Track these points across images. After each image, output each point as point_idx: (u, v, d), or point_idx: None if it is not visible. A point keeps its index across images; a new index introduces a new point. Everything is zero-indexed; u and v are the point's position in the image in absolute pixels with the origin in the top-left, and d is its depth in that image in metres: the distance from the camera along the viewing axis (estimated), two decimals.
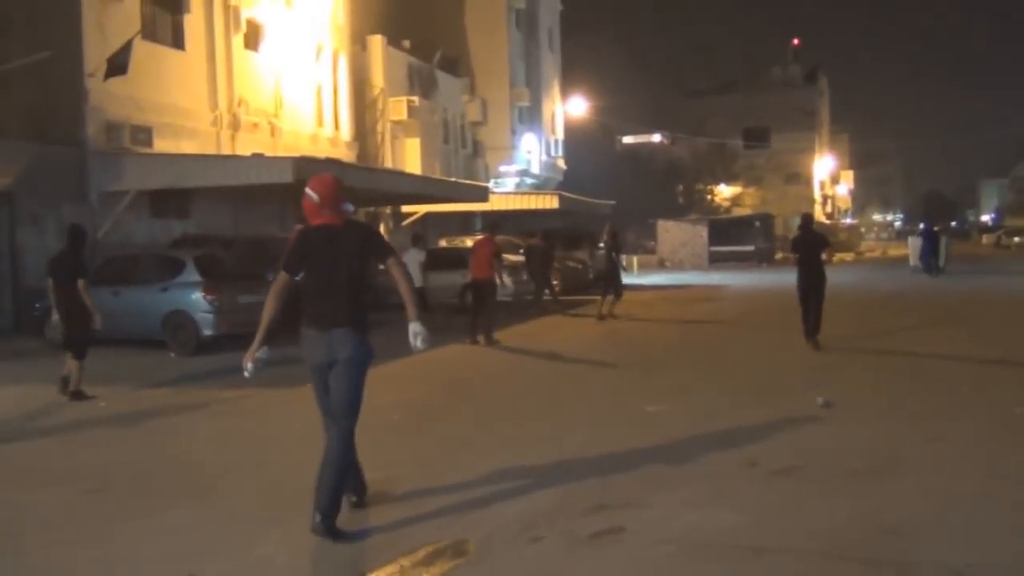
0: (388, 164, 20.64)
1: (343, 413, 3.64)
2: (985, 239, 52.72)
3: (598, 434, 5.54)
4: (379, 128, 21.26)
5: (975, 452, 4.83)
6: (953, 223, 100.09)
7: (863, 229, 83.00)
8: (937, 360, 8.33)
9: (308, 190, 3.73)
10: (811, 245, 9.67)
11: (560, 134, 33.64)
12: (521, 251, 15.80)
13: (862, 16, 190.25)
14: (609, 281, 13.00)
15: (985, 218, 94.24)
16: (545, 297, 14.75)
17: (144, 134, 13.26)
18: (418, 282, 10.64)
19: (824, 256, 9.74)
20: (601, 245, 15.17)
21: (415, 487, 4.25)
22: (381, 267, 3.83)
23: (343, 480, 3.65)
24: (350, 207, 3.79)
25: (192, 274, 9.75)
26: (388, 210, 20.47)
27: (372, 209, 19.68)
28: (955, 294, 16.05)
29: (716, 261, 31.33)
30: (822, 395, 6.37)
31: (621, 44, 42.59)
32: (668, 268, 30.86)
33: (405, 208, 20.38)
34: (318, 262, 3.67)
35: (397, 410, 6.23)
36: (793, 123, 48.88)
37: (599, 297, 13.05)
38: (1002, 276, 21.03)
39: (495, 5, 27.91)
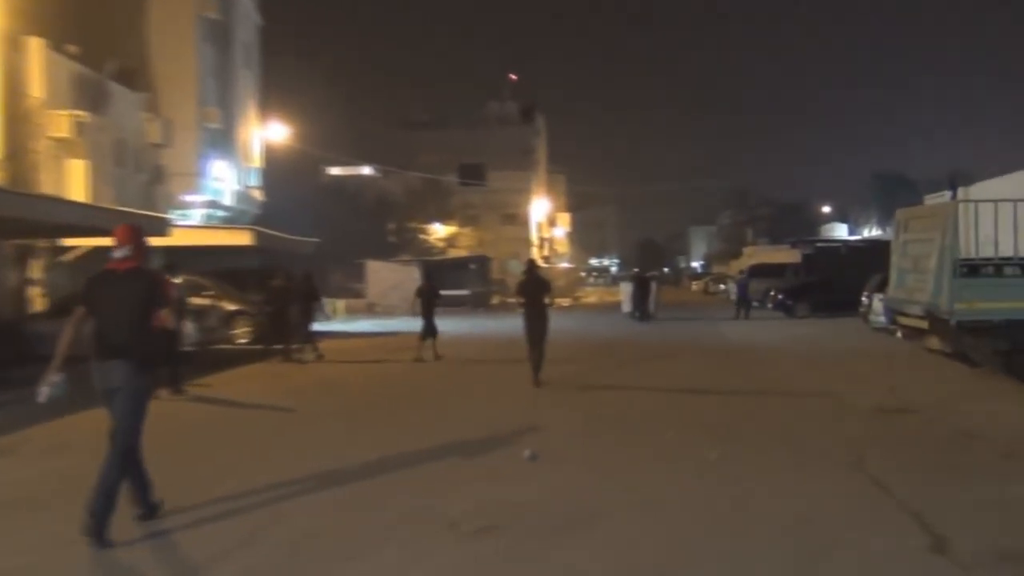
0: (46, 189, 18.94)
1: (117, 435, 4.81)
2: (694, 285, 61.71)
3: (284, 493, 5.74)
4: (35, 146, 19.45)
5: (671, 502, 5.47)
6: (665, 269, 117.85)
7: (583, 273, 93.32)
8: (644, 400, 9.76)
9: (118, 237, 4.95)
10: (535, 289, 11.03)
11: (258, 162, 32.70)
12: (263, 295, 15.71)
13: (585, 59, 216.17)
14: (286, 330, 14.23)
15: (695, 264, 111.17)
16: (293, 347, 14.73)
17: None
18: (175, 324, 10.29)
19: (547, 300, 11.17)
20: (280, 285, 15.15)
21: None
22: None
23: (111, 491, 4.72)
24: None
25: None
26: (45, 243, 18.37)
27: (23, 242, 17.81)
28: (661, 339, 18.91)
29: None
30: (530, 446, 6.98)
31: (329, 69, 43.03)
32: (378, 313, 31.38)
33: (68, 241, 18.27)
34: (100, 302, 4.88)
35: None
36: (510, 161, 53.07)
37: (286, 346, 14.22)
38: (706, 322, 24.50)
39: (182, 13, 26.81)
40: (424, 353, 14.28)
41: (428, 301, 15.09)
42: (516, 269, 52.14)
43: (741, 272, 29.27)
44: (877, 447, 7.06)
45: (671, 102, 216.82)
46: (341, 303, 28.37)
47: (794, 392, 10.43)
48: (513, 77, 60.95)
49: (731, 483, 5.98)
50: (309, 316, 14.87)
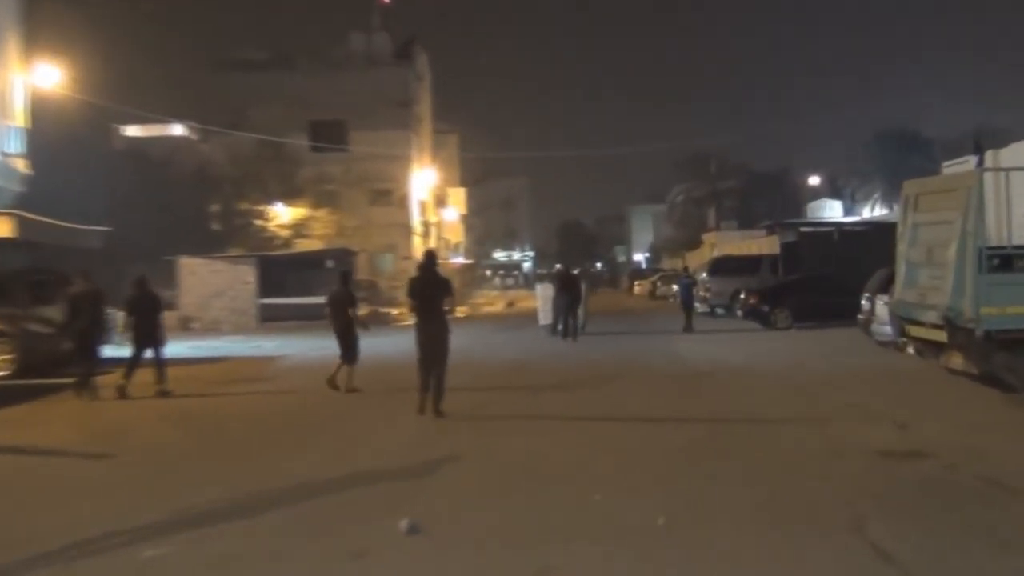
0: None
1: None
2: (637, 287, 63.20)
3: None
4: None
5: None
6: (598, 265, 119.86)
7: (487, 272, 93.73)
8: (568, 440, 9.92)
9: None
10: (432, 291, 11.72)
11: (21, 120, 31.31)
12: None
13: None
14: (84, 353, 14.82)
15: (638, 258, 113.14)
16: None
17: None
18: None
19: (447, 306, 11.94)
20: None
21: None
22: None
23: None
24: None
25: None
26: None
27: None
28: (592, 360, 19.27)
29: (271, 319, 32.49)
30: (411, 510, 7.03)
31: None
32: (196, 330, 31.16)
33: None
34: None
35: None
36: (381, 117, 52.51)
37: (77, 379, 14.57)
38: (654, 337, 25.24)
39: None
40: (340, 380, 15.04)
41: (340, 312, 15.54)
42: (390, 266, 52.43)
43: (684, 270, 30.53)
44: (881, 503, 7.28)
45: (606, 39, 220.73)
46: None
47: (770, 429, 10.72)
48: None
49: (686, 561, 6.04)
50: (92, 335, 14.85)
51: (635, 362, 18.92)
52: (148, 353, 15.13)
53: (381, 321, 33.69)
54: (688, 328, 26.55)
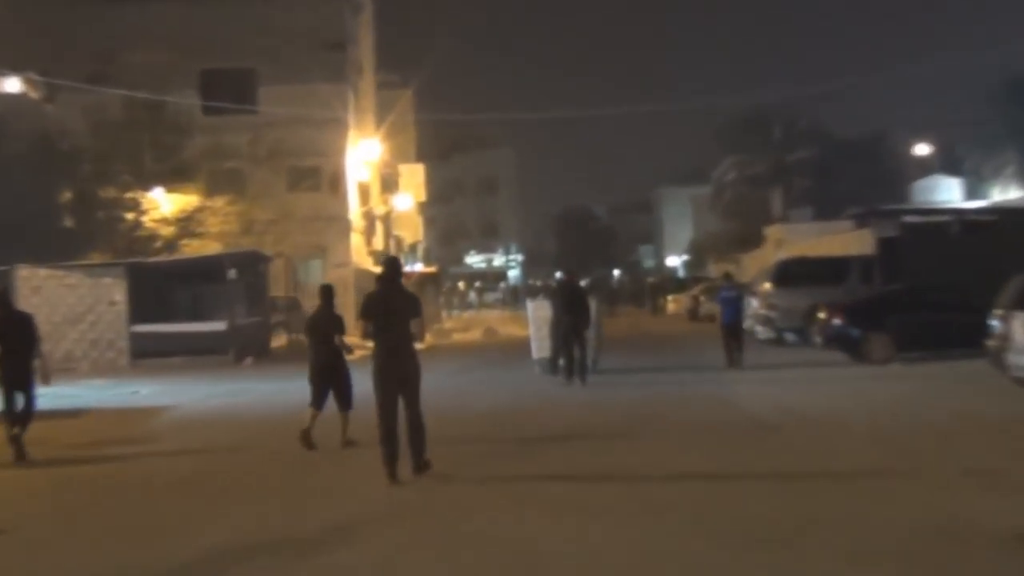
0: None
1: None
2: (672, 303, 63.98)
3: None
4: None
5: None
6: (615, 273, 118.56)
7: (459, 284, 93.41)
8: (573, 529, 9.77)
9: None
10: (395, 311, 12.35)
11: None
12: None
13: None
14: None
15: (673, 262, 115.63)
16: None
17: None
18: None
19: (415, 327, 12.55)
20: None
21: None
22: None
23: None
24: None
25: None
26: None
27: None
28: (608, 411, 19.34)
29: (149, 354, 32.85)
30: None
31: None
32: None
33: None
34: None
35: None
36: (303, 66, 52.20)
37: None
38: (694, 378, 24.99)
39: None
40: (315, 432, 15.58)
41: (325, 340, 16.04)
42: (319, 277, 52.16)
43: (726, 278, 30.17)
44: None
45: None
46: None
47: (861, 505, 10.75)
48: None
49: None
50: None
51: (667, 412, 18.96)
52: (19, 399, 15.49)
53: (304, 355, 33.73)
54: (734, 362, 26.78)
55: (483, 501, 11.71)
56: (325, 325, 16.04)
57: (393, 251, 64.10)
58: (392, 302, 12.56)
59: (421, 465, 12.47)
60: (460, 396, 22.56)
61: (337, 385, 15.88)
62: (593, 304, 26.81)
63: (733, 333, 27.41)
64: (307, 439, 15.49)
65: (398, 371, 12.45)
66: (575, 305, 24.92)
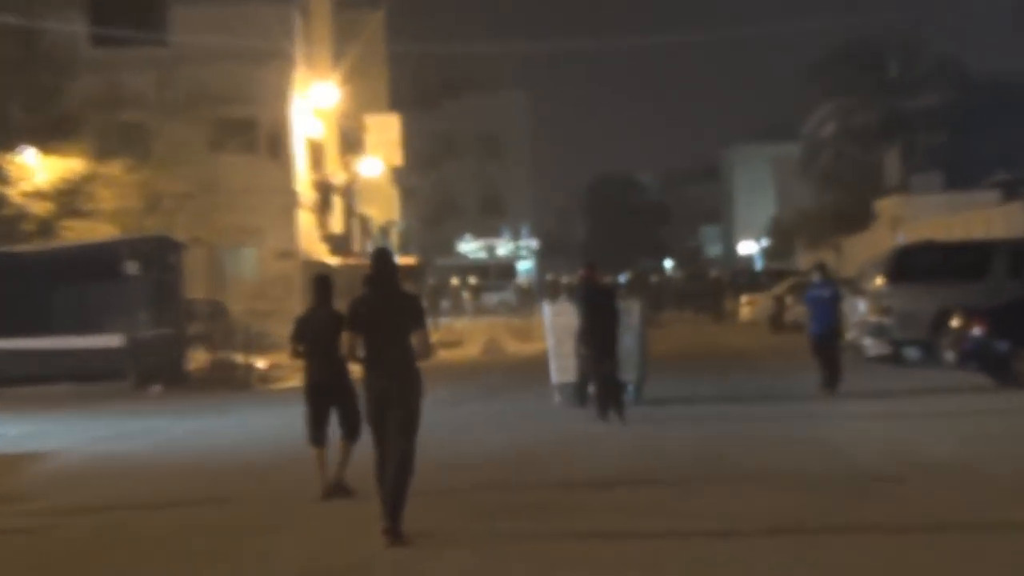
0: None
1: None
2: (746, 306, 64.61)
3: None
4: None
5: None
6: (666, 264, 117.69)
7: (452, 280, 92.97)
8: None
9: None
10: (391, 320, 12.82)
11: None
12: None
13: None
14: None
15: (747, 248, 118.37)
16: None
17: None
18: None
19: (416, 343, 12.95)
20: None
21: None
22: None
23: None
24: None
25: None
26: None
27: None
28: (652, 464, 19.12)
29: (10, 381, 32.96)
30: None
31: None
32: None
33: None
34: None
35: None
36: None
37: None
38: (777, 410, 25.35)
39: None
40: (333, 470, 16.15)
41: (328, 350, 16.12)
42: (253, 272, 52.18)
43: (819, 270, 29.85)
44: None
45: None
46: None
47: None
48: None
49: None
50: None
51: (739, 458, 18.95)
52: None
53: (233, 380, 33.81)
54: (829, 384, 26.81)
55: (498, 567, 11.91)
56: (323, 330, 15.98)
57: (358, 235, 64.15)
58: (386, 310, 12.87)
59: (398, 529, 12.56)
60: (455, 437, 22.46)
61: (341, 409, 16.15)
62: (635, 310, 26.77)
63: (825, 346, 27.31)
64: (330, 489, 15.87)
65: (397, 398, 12.75)
66: (604, 309, 24.87)
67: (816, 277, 28.96)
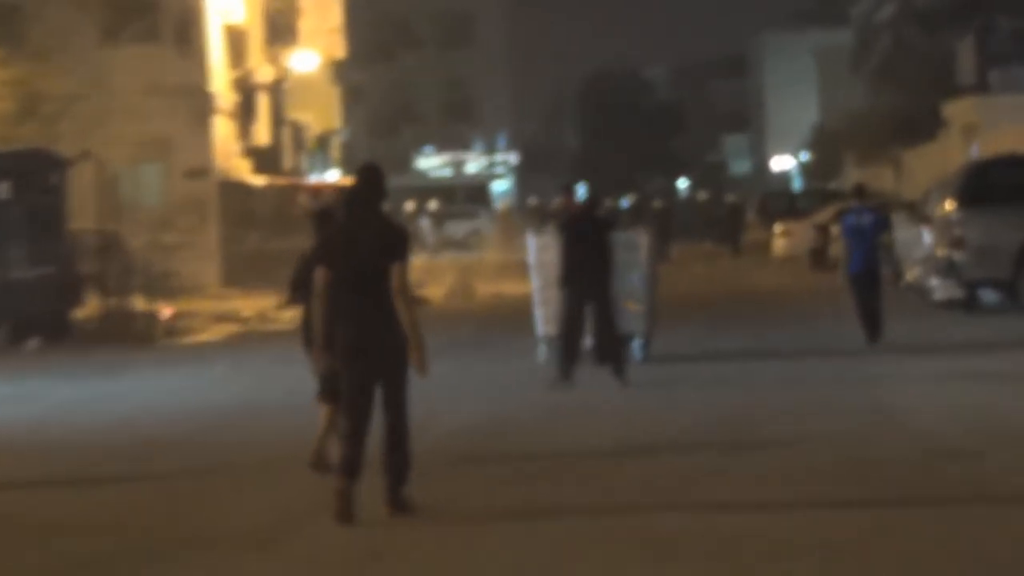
0: None
1: None
2: (781, 237, 65.45)
3: None
4: None
5: None
6: (681, 187, 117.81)
7: (408, 205, 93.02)
8: None
9: None
10: (372, 256, 13.41)
11: None
12: None
13: None
14: None
15: (783, 165, 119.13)
16: None
17: None
18: None
19: (396, 280, 13.29)
20: None
21: None
22: None
23: None
24: None
25: None
26: None
27: None
28: (662, 443, 18.82)
29: None
30: None
31: None
32: None
33: None
34: None
35: None
36: None
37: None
38: (819, 368, 25.76)
39: None
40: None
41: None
42: (156, 196, 52.23)
43: (857, 192, 29.96)
44: None
45: None
46: None
47: None
48: None
49: None
50: None
51: (772, 427, 19.18)
52: None
53: (131, 332, 33.98)
54: (873, 334, 27.37)
55: (483, 545, 12.24)
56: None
57: (289, 148, 64.25)
58: (366, 242, 13.31)
59: (400, 499, 13.15)
60: (421, 403, 22.52)
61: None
62: (642, 243, 26.89)
63: (868, 287, 27.69)
64: (321, 462, 16.14)
65: (376, 348, 13.31)
66: (598, 245, 24.94)
67: (855, 201, 29.41)
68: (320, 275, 13.62)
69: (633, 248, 26.57)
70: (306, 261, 16.88)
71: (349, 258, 13.31)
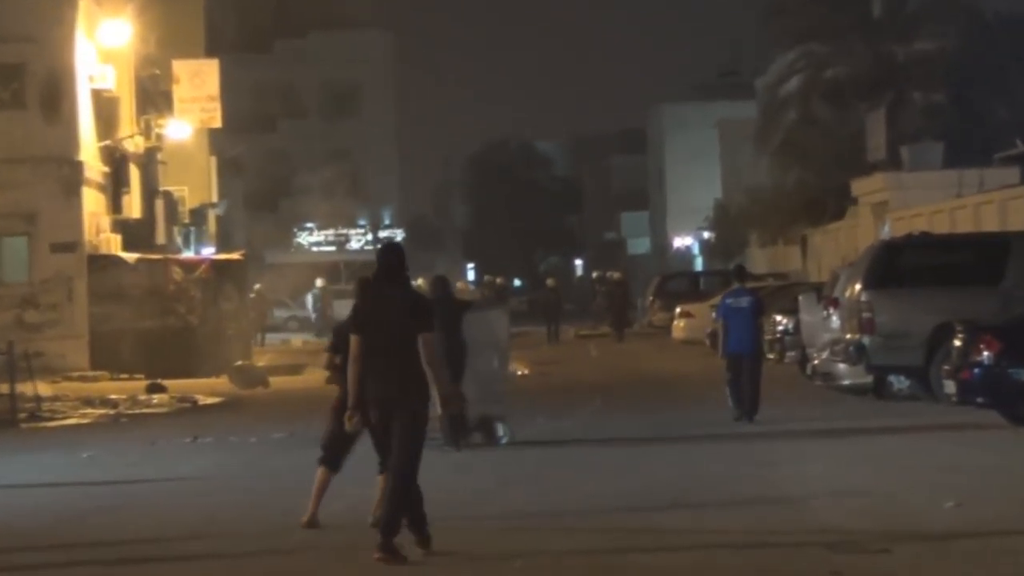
0: None
1: None
2: (682, 317, 65.78)
3: None
4: None
5: None
6: (578, 267, 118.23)
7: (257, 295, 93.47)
8: None
9: None
10: (401, 321, 14.37)
11: None
12: None
13: None
14: None
15: (682, 242, 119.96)
16: None
17: None
18: None
19: (423, 349, 14.18)
20: None
21: None
22: None
23: None
24: None
25: None
26: None
27: None
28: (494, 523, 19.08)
29: None
30: None
31: None
32: None
33: None
34: None
35: None
36: None
37: None
38: (717, 451, 25.89)
39: None
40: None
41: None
42: (21, 273, 51.98)
43: (737, 273, 30.62)
44: None
45: None
46: None
47: None
48: None
49: None
50: None
51: (670, 519, 19.08)
52: None
53: None
54: (746, 414, 28.29)
55: None
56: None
57: (162, 222, 64.07)
58: (397, 307, 14.70)
59: (390, 547, 14.38)
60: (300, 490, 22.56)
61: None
62: (499, 321, 27.29)
63: (745, 367, 28.56)
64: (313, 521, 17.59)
65: (396, 399, 14.75)
66: (451, 324, 25.46)
67: (735, 279, 30.11)
68: (354, 343, 14.66)
69: (487, 325, 27.07)
70: (342, 330, 17.90)
71: (380, 327, 14.40)
